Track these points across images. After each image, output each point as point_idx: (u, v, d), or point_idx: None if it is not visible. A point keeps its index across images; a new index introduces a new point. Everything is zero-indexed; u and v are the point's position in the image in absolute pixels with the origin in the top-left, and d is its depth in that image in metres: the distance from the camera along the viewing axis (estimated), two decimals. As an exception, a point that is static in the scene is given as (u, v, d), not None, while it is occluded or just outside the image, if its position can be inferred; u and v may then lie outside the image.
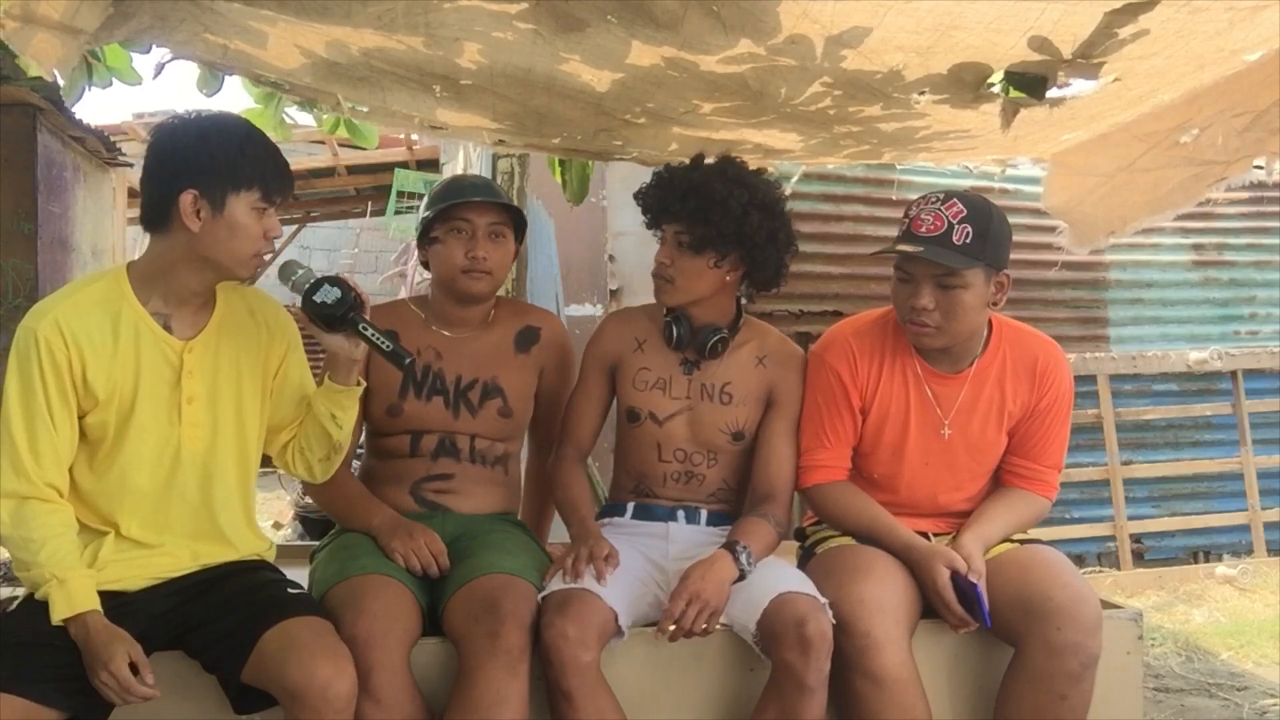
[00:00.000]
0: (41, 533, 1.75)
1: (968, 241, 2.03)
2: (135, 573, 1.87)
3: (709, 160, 2.24)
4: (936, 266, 2.04)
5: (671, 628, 1.93)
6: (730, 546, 2.03)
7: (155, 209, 1.84)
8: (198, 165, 1.81)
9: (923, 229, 2.06)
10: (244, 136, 1.86)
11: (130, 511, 1.87)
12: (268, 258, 2.01)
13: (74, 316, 1.81)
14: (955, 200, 2.07)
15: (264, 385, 1.99)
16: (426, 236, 2.26)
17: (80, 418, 1.83)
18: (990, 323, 2.19)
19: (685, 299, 2.21)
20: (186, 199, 1.80)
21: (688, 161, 2.25)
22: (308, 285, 1.88)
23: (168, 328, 1.88)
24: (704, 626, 1.94)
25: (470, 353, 2.26)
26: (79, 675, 1.70)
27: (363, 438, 2.39)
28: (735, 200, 2.13)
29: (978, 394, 2.18)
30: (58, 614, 1.71)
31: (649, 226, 2.27)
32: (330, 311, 1.86)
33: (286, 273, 1.92)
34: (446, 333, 2.28)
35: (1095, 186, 2.75)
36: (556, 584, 1.98)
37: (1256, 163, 2.34)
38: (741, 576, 2.00)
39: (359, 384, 1.99)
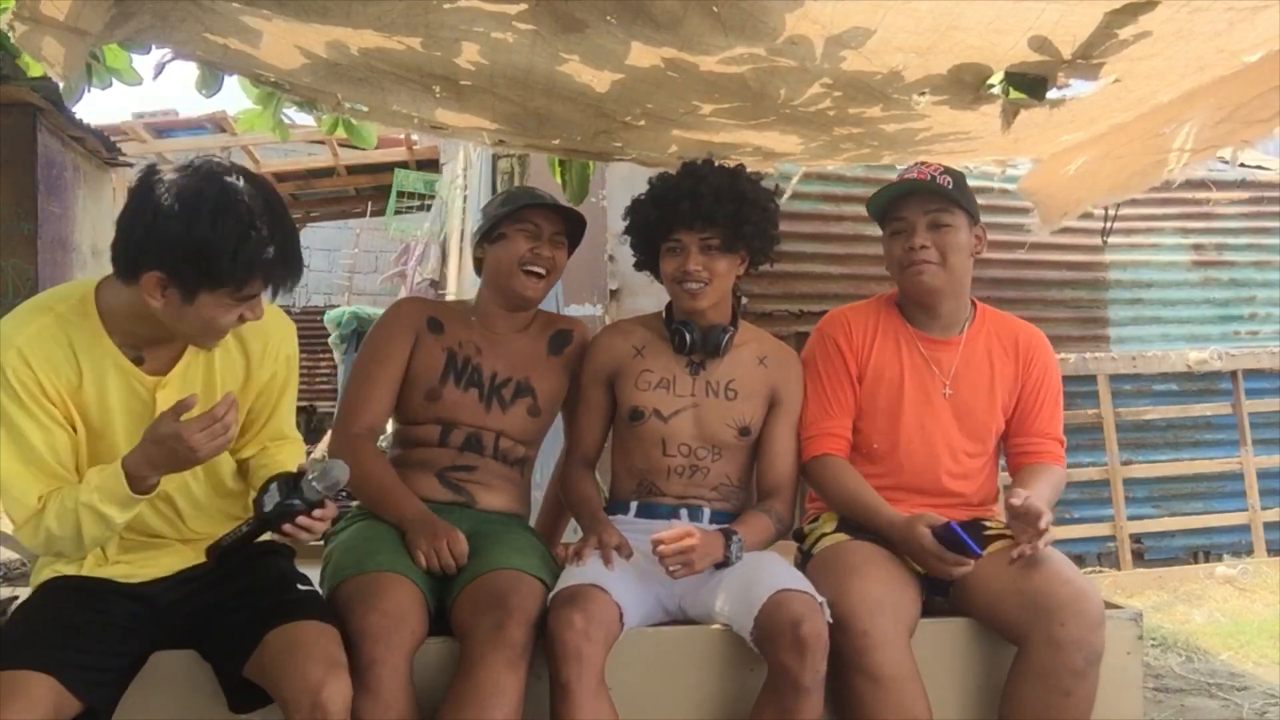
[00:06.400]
0: (73, 495, 1.70)
1: (950, 188, 2.24)
2: (146, 569, 1.88)
3: (695, 161, 2.31)
4: (930, 204, 2.23)
5: (661, 547, 1.97)
6: (727, 534, 2.08)
7: (121, 264, 1.67)
8: (174, 252, 1.59)
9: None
10: (240, 235, 1.60)
11: None
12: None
13: (38, 347, 1.72)
14: (927, 161, 2.33)
15: (243, 405, 1.91)
16: (491, 234, 2.33)
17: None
18: (974, 304, 2.35)
19: (716, 298, 2.26)
20: (149, 279, 1.62)
21: (675, 171, 2.30)
22: (287, 487, 1.74)
23: (138, 360, 1.79)
24: (674, 569, 1.97)
25: (507, 351, 2.35)
26: (104, 667, 1.71)
27: (389, 431, 2.43)
28: (757, 195, 2.25)
29: (971, 359, 2.30)
30: (127, 490, 1.66)
31: (657, 240, 2.27)
32: (266, 515, 1.75)
33: (316, 467, 1.77)
34: (487, 330, 2.36)
35: (1068, 170, 2.76)
36: (565, 580, 1.98)
37: (1220, 154, 2.35)
38: (726, 562, 2.05)
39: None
